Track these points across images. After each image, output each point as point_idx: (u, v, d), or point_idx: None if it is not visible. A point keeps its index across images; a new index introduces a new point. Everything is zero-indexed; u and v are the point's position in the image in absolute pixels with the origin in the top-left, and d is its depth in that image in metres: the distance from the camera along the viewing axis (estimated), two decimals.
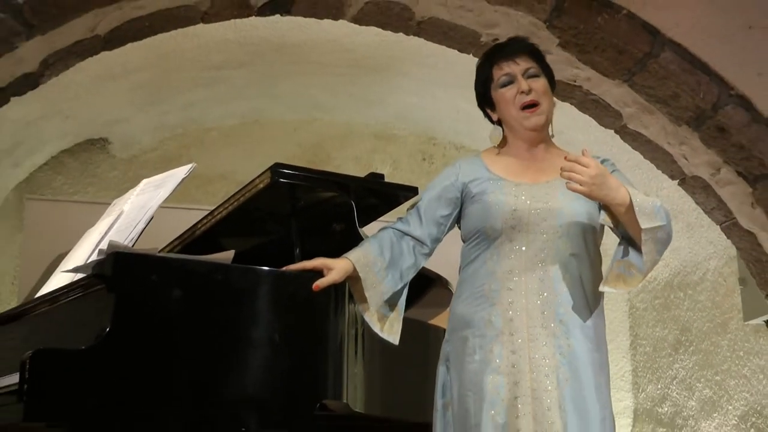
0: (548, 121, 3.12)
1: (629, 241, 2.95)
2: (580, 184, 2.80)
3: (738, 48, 4.32)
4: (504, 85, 3.09)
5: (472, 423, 2.89)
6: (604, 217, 2.94)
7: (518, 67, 3.09)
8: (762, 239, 4.48)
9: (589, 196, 2.86)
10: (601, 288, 2.96)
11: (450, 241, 3.17)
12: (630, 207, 2.84)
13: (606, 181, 2.83)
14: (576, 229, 3.00)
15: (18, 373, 2.51)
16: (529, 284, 2.96)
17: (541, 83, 3.09)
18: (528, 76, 3.08)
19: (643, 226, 2.83)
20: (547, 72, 3.16)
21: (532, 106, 3.06)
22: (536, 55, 3.17)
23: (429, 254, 3.11)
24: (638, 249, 2.91)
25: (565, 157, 2.86)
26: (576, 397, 2.87)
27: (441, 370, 3.04)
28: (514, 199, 3.00)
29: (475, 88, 3.21)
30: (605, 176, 2.84)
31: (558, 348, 2.90)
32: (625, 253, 2.96)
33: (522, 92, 3.06)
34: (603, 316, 3.05)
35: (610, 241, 2.99)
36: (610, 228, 2.99)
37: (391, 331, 3.00)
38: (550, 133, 3.16)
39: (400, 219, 3.11)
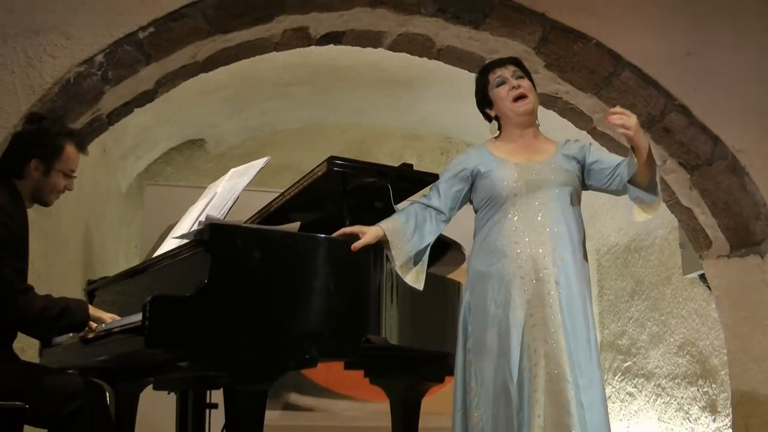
0: (535, 109, 3.12)
1: (629, 187, 2.96)
2: (628, 129, 2.77)
3: (679, 69, 4.31)
4: (498, 85, 3.11)
5: (500, 351, 2.90)
6: (635, 161, 2.87)
7: (508, 71, 3.13)
8: (697, 214, 4.46)
9: (632, 139, 2.81)
10: (636, 218, 3.00)
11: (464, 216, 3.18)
12: (649, 151, 2.84)
13: (640, 129, 2.83)
14: (563, 193, 3.01)
15: (141, 313, 2.55)
16: (531, 237, 2.96)
17: (526, 82, 3.12)
18: (516, 77, 3.11)
19: (658, 163, 2.88)
20: (530, 77, 3.18)
21: (521, 97, 3.08)
22: (520, 65, 3.20)
23: (447, 221, 3.10)
24: (639, 189, 2.93)
25: (610, 111, 2.83)
26: (570, 324, 2.88)
27: (463, 313, 3.04)
28: (515, 174, 3.01)
29: (476, 95, 3.22)
30: (639, 126, 2.83)
31: (557, 285, 2.90)
32: (634, 194, 2.96)
33: (513, 88, 3.08)
34: (587, 257, 3.05)
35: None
36: (616, 185, 3.01)
37: (416, 280, 2.98)
38: (537, 123, 3.16)
39: (424, 195, 3.12)
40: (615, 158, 3.10)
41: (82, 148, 3.05)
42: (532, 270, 2.92)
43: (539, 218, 2.97)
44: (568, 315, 2.89)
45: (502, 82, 3.11)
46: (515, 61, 3.21)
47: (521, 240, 2.96)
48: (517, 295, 2.91)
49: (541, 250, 2.94)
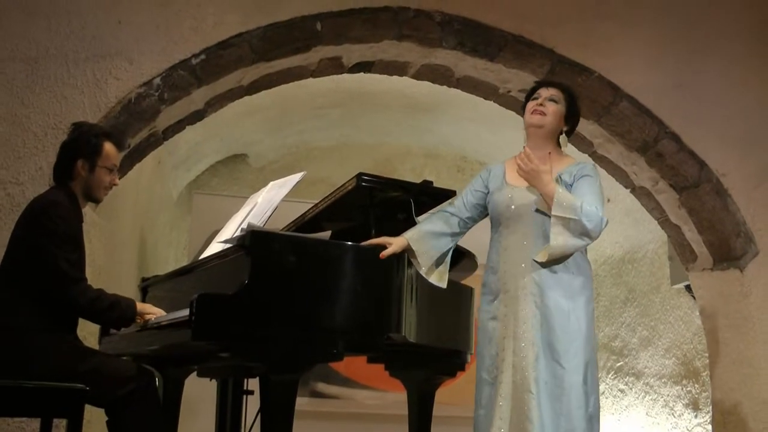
0: (546, 128, 3.01)
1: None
2: (523, 169, 2.82)
3: (670, 100, 4.29)
4: (533, 99, 3.06)
5: (481, 353, 2.94)
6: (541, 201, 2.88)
7: (547, 92, 3.04)
8: (684, 230, 4.43)
9: (525, 179, 2.87)
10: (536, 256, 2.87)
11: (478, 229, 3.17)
12: (550, 201, 2.80)
13: (537, 176, 2.81)
14: (548, 218, 2.88)
15: (188, 308, 2.55)
16: (516, 257, 2.92)
17: (554, 107, 3.01)
18: (549, 99, 3.02)
19: (552, 213, 2.79)
20: (570, 107, 3.05)
21: (538, 113, 3.00)
22: (568, 94, 3.08)
23: (467, 229, 3.08)
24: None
25: (526, 153, 2.84)
26: (545, 337, 2.82)
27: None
28: (510, 197, 2.97)
29: (525, 97, 3.17)
30: (538, 172, 2.81)
31: (534, 302, 2.85)
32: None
33: (538, 104, 3.01)
34: (572, 275, 2.90)
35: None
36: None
37: (439, 280, 2.97)
38: (562, 147, 3.06)
39: (449, 203, 3.09)
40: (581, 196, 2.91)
41: (118, 144, 3.07)
42: (513, 287, 2.89)
43: (525, 239, 2.92)
44: (544, 331, 2.81)
45: (535, 98, 3.05)
46: (563, 89, 3.09)
47: (509, 258, 2.93)
48: (499, 308, 2.91)
49: (523, 268, 2.89)
